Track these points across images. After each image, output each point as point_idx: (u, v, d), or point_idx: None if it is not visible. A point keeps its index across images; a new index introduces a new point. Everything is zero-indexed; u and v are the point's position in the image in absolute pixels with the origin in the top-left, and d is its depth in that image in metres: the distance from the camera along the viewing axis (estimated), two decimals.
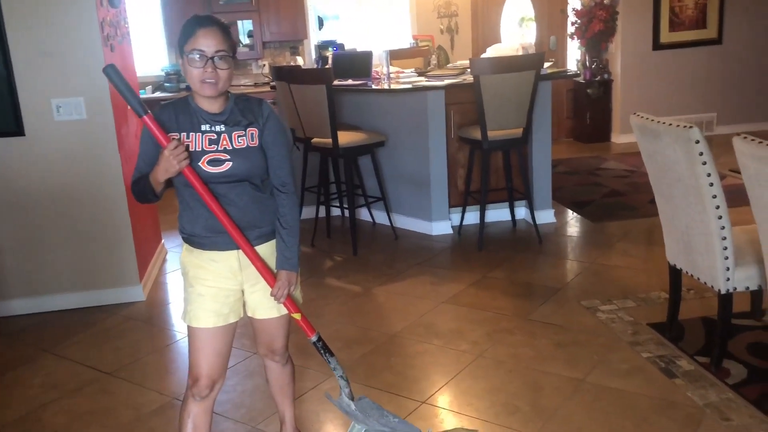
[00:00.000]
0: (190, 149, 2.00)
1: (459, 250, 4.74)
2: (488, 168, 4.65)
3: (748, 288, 2.90)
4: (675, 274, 3.26)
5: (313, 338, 2.23)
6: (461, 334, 3.43)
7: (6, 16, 3.59)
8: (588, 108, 8.13)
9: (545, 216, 5.10)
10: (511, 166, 4.88)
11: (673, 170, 2.92)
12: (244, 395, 2.96)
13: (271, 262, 2.16)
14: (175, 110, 2.05)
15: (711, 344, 3.08)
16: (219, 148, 2.02)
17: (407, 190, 5.11)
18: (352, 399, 2.31)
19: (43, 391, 3.11)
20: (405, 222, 5.17)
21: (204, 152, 2.02)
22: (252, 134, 2.07)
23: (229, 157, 2.03)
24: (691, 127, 2.71)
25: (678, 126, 2.76)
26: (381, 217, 5.26)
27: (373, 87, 4.99)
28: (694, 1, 7.81)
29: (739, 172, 2.55)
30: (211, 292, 2.11)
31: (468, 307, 3.76)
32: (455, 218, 5.07)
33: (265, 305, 2.20)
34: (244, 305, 2.22)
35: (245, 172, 2.05)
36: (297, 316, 2.20)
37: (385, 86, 4.95)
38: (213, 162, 2.02)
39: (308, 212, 5.37)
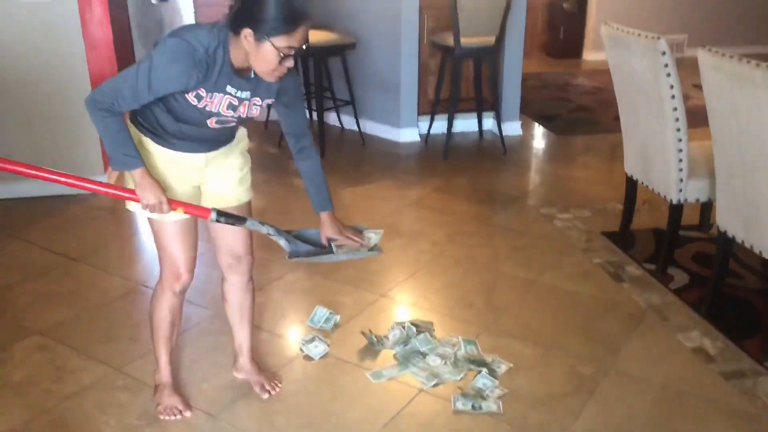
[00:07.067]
0: (206, 108, 1.85)
1: (425, 158, 4.79)
2: (459, 76, 4.63)
3: (698, 200, 3.03)
4: (631, 185, 3.38)
5: (212, 216, 1.98)
6: (422, 235, 3.53)
7: None
8: (562, 23, 8.06)
9: (512, 128, 5.15)
10: (481, 77, 4.87)
11: (638, 81, 2.97)
12: (208, 284, 3.01)
13: (229, 152, 2.13)
14: (211, 56, 1.77)
15: (659, 252, 3.23)
16: (234, 115, 1.91)
17: (376, 96, 5.08)
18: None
19: (7, 273, 3.14)
20: (373, 128, 5.17)
21: (218, 114, 1.89)
22: (267, 105, 1.98)
23: (236, 122, 1.98)
24: (658, 38, 2.75)
25: (646, 37, 2.79)
26: (349, 123, 5.25)
27: None
28: None
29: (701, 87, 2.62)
30: (177, 184, 2.05)
31: (430, 210, 3.85)
32: (423, 126, 5.09)
33: (224, 194, 2.13)
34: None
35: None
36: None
37: None
38: (220, 121, 1.94)
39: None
